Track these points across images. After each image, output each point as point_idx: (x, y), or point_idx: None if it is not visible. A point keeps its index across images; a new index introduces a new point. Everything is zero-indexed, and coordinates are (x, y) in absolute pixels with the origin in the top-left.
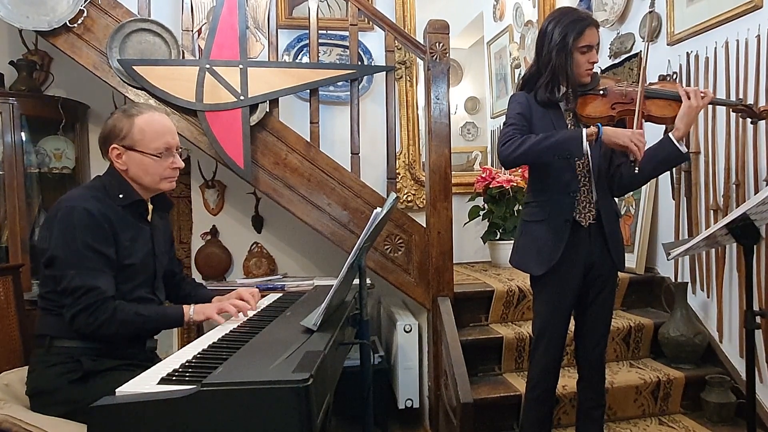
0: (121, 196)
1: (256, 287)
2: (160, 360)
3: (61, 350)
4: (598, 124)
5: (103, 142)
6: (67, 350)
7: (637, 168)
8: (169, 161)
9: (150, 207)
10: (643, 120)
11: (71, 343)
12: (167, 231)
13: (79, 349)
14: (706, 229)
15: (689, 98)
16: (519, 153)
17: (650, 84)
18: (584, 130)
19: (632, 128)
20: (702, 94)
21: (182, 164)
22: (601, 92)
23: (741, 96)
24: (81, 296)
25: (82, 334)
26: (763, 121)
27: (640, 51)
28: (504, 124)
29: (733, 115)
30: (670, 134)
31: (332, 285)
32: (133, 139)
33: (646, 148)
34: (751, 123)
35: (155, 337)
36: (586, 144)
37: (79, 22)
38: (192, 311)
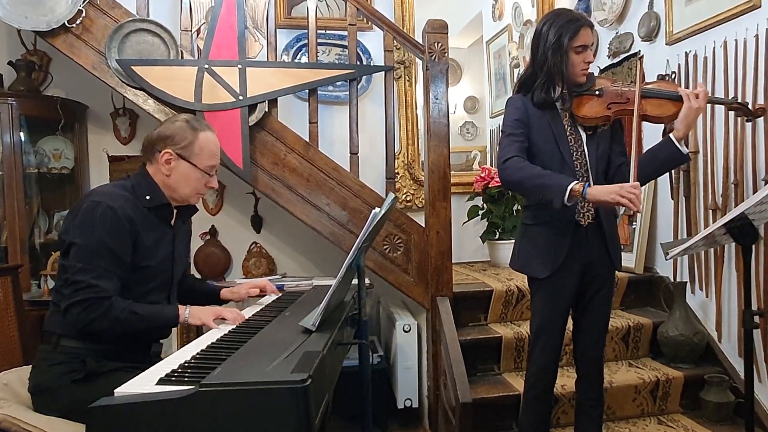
0: (148, 198)
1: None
2: None
3: (66, 349)
4: (585, 184)
5: (153, 143)
6: (73, 350)
7: (635, 222)
8: (208, 180)
9: (174, 212)
10: (641, 120)
11: (77, 343)
12: (187, 236)
13: (84, 349)
14: (704, 229)
15: (690, 100)
16: (514, 180)
17: (647, 84)
18: (571, 184)
19: (631, 128)
20: (701, 94)
21: (216, 185)
22: (597, 92)
23: (740, 96)
24: (79, 290)
25: (89, 334)
26: (762, 121)
27: (638, 51)
28: (502, 131)
29: (731, 114)
30: (671, 135)
31: (331, 285)
32: (192, 151)
33: (644, 150)
34: (747, 121)
35: (161, 341)
36: (566, 198)
37: (78, 22)
38: (187, 313)
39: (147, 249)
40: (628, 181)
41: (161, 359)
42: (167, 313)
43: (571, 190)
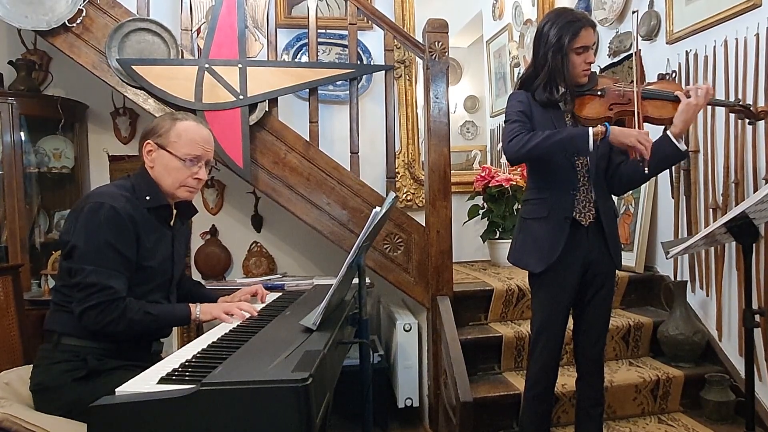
0: (148, 198)
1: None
2: None
3: (67, 348)
4: (606, 123)
5: (142, 138)
6: (74, 348)
7: (646, 168)
8: (194, 170)
9: (174, 212)
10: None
11: (78, 342)
12: (186, 237)
13: (85, 348)
14: (705, 228)
15: (688, 96)
16: (527, 149)
17: (648, 84)
18: (590, 129)
19: (632, 128)
20: (701, 90)
21: (205, 176)
22: (599, 93)
23: (740, 95)
24: (93, 293)
25: (89, 333)
26: (763, 121)
27: (637, 51)
28: (506, 121)
29: (732, 114)
30: (668, 132)
31: (332, 284)
32: (168, 140)
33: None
34: (749, 124)
35: (162, 340)
36: (592, 142)
37: (78, 21)
38: (198, 311)
39: (148, 250)
40: (638, 159)
41: (162, 358)
42: (179, 312)
43: (594, 133)
